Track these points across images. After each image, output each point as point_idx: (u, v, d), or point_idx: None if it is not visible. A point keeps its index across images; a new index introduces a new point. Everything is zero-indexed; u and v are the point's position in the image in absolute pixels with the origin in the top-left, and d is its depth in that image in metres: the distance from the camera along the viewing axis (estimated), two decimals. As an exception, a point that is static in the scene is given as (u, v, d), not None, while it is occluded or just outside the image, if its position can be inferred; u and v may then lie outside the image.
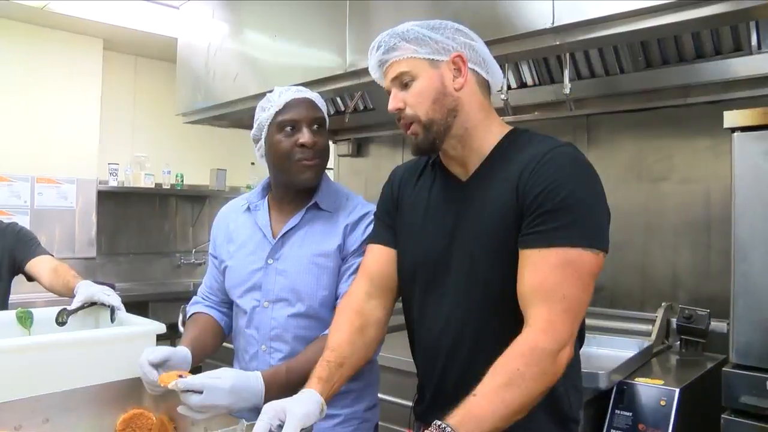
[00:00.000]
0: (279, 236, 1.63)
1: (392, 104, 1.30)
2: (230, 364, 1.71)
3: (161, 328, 1.67)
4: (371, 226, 1.55)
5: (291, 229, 1.63)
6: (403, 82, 1.29)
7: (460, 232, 1.29)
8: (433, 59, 1.28)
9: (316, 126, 1.60)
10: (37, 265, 2.23)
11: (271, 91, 1.65)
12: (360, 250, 1.57)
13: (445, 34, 1.29)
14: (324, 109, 1.66)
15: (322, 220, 1.63)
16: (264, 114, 1.62)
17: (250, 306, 1.63)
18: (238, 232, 1.72)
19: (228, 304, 1.76)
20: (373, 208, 1.58)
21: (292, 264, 1.60)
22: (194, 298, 1.82)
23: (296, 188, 1.63)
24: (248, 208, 1.72)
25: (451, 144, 1.31)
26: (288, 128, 1.58)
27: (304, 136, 1.57)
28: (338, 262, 1.59)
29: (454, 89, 1.28)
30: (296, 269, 1.59)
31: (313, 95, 1.65)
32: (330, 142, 2.81)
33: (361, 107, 3.48)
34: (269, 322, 1.60)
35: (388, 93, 1.33)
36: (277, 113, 1.59)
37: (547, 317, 1.12)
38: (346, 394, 1.56)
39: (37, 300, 3.13)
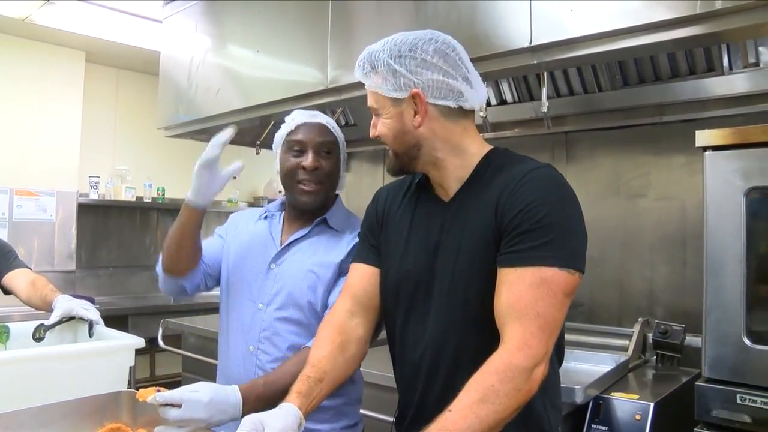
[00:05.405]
0: (285, 244, 1.69)
1: (372, 131, 1.36)
2: (208, 379, 1.70)
3: (140, 342, 1.67)
4: None
5: (298, 238, 1.69)
6: (375, 113, 1.35)
7: (442, 252, 1.31)
8: (395, 98, 1.29)
9: (325, 150, 1.66)
10: (14, 278, 2.20)
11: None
12: None
13: (410, 66, 1.26)
14: (338, 135, 1.72)
15: (328, 236, 1.69)
16: (279, 132, 1.71)
17: (246, 306, 1.68)
18: (250, 235, 1.77)
19: (205, 274, 1.79)
20: None
21: (291, 270, 1.65)
22: None
23: (299, 208, 1.69)
24: (266, 217, 1.79)
25: (426, 169, 1.35)
26: (296, 149, 1.66)
27: (307, 159, 1.64)
28: (337, 276, 1.62)
29: (414, 126, 1.29)
30: (293, 275, 1.64)
31: (325, 120, 1.71)
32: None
33: (343, 122, 3.50)
34: (260, 323, 1.64)
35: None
36: (290, 133, 1.68)
37: (522, 335, 1.13)
38: (325, 410, 1.56)
39: (14, 314, 3.10)
